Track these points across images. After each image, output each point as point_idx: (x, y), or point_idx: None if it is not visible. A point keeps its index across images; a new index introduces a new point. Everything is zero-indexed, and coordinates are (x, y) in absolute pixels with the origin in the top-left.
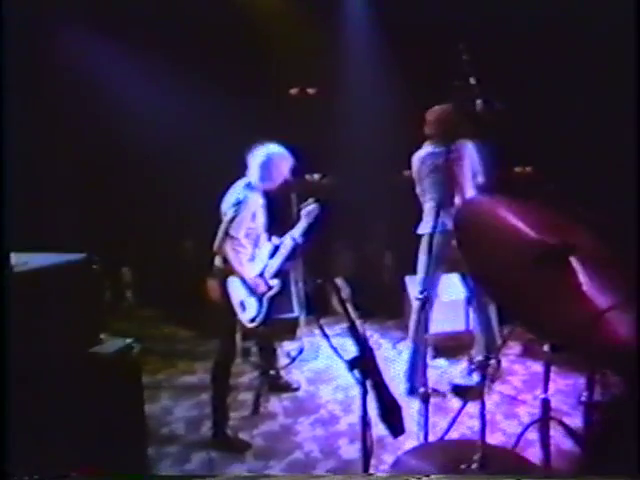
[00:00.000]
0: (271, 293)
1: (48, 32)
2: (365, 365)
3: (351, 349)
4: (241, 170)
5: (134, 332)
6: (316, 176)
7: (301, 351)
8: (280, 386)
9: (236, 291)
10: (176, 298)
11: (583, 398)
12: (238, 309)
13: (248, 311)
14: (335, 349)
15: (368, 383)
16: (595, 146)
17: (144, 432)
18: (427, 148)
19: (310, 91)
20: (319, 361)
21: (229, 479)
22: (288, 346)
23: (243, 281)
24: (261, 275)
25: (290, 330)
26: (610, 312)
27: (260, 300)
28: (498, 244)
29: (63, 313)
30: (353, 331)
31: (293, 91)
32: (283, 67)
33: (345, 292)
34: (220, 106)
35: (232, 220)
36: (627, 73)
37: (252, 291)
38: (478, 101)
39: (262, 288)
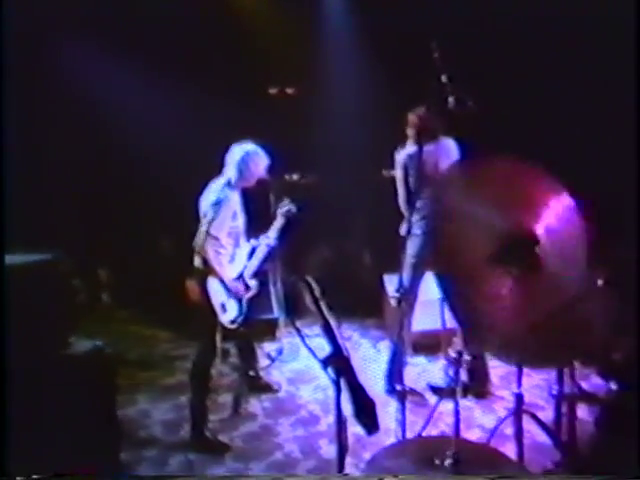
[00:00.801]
0: (250, 294)
1: (47, 34)
2: (339, 363)
3: (327, 348)
4: (219, 168)
5: (110, 334)
6: (295, 176)
7: (280, 352)
8: (260, 387)
9: (216, 292)
10: (154, 299)
11: (553, 391)
12: (219, 310)
13: (229, 312)
14: (310, 348)
15: (342, 381)
16: (573, 141)
17: (116, 434)
18: (409, 148)
19: (289, 91)
20: (299, 362)
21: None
22: (268, 347)
23: (222, 282)
24: (240, 276)
25: (269, 331)
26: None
27: (240, 301)
28: (466, 240)
29: (30, 314)
30: (327, 330)
31: (272, 91)
32: (262, 66)
33: (318, 291)
34: (198, 105)
35: (213, 220)
36: (608, 65)
37: (232, 293)
38: (450, 99)
39: (241, 290)
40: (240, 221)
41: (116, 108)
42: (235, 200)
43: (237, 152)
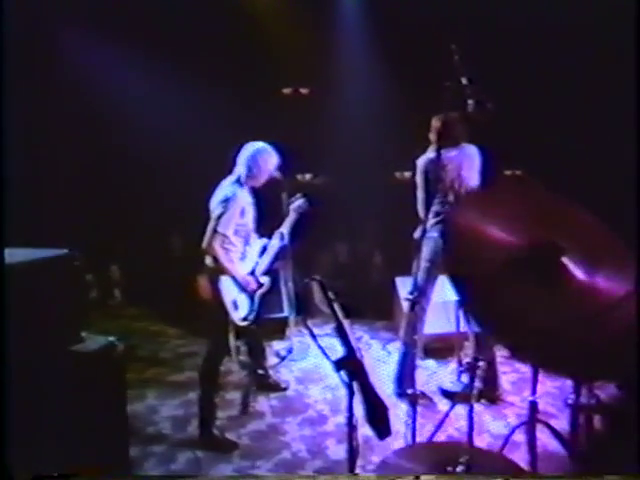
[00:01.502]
0: (262, 291)
1: (47, 31)
2: (352, 366)
3: (339, 349)
4: (231, 167)
5: (122, 330)
6: (307, 176)
7: (290, 351)
8: (269, 385)
9: (228, 289)
10: (165, 296)
11: (570, 401)
12: (230, 308)
13: (241, 309)
14: (322, 349)
15: (355, 384)
16: (589, 147)
17: (126, 431)
18: (431, 153)
19: (303, 91)
20: (308, 361)
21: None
22: (277, 345)
23: (234, 279)
24: (252, 273)
25: (280, 330)
26: (610, 311)
27: (252, 298)
28: (487, 251)
29: (43, 310)
30: (340, 331)
31: (286, 91)
32: (277, 66)
33: (331, 291)
34: (212, 104)
35: (220, 217)
36: (624, 74)
37: (243, 289)
38: (470, 101)
39: (253, 286)
40: (249, 218)
41: (132, 107)
42: (244, 197)
43: (247, 150)
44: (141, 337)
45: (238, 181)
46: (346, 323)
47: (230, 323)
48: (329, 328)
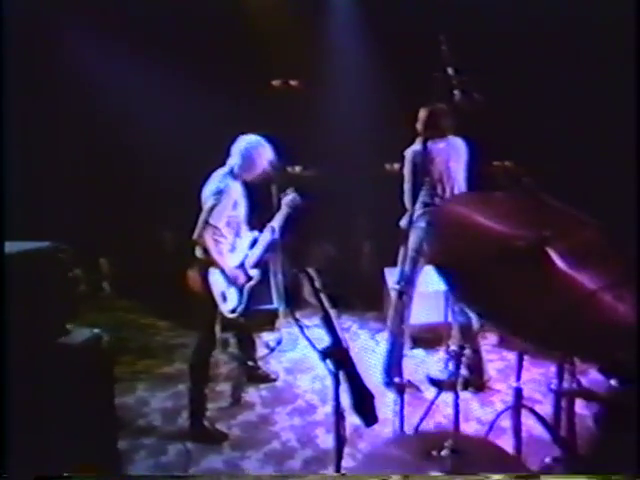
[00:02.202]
0: (251, 284)
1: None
2: (338, 355)
3: (326, 339)
4: (221, 160)
5: (111, 323)
6: (298, 168)
7: (279, 342)
8: (258, 376)
9: (217, 282)
10: (155, 289)
11: (553, 386)
12: (219, 300)
13: (229, 302)
14: (308, 339)
15: (341, 373)
16: (578, 138)
17: (114, 424)
18: (418, 144)
19: (293, 83)
20: (297, 352)
21: (209, 477)
22: (267, 337)
23: (223, 272)
24: (241, 265)
25: (269, 321)
26: (594, 296)
27: (240, 291)
28: (473, 241)
29: (28, 302)
30: (327, 321)
31: (276, 83)
32: (267, 58)
33: (319, 282)
34: (201, 96)
35: (212, 208)
36: (609, 65)
37: (232, 282)
38: (456, 92)
39: (242, 279)
40: (241, 211)
41: (119, 99)
42: (236, 189)
43: (241, 142)
44: (131, 330)
45: (231, 173)
46: (333, 313)
47: (219, 315)
48: (317, 319)
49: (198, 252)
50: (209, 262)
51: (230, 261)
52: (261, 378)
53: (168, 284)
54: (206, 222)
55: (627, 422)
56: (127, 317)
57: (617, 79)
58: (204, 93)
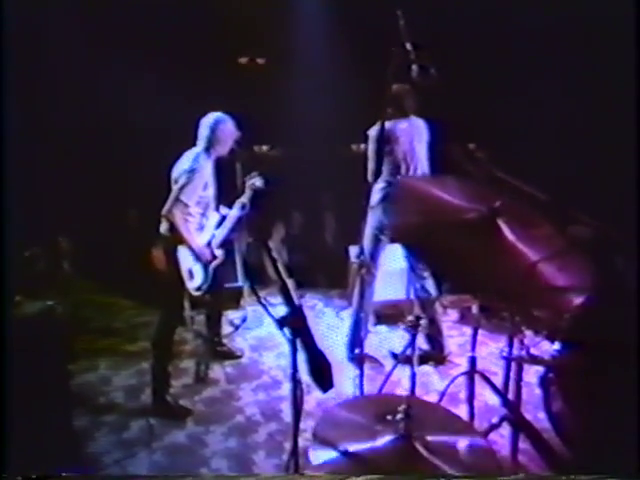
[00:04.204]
0: (216, 262)
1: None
2: (295, 323)
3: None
4: (186, 137)
5: (72, 301)
6: (264, 147)
7: (244, 319)
8: (223, 353)
9: (185, 259)
10: (118, 268)
11: (504, 353)
12: (186, 276)
13: (195, 279)
14: (266, 307)
15: (298, 341)
16: (540, 119)
17: (70, 399)
18: (382, 124)
19: (260, 61)
20: (262, 329)
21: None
22: (232, 315)
23: (190, 249)
24: (208, 244)
25: (234, 299)
26: (539, 264)
27: (206, 269)
28: (433, 215)
29: None
30: (283, 291)
31: (242, 60)
32: (233, 35)
33: (275, 252)
34: (168, 74)
35: (185, 186)
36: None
37: (199, 259)
38: (414, 67)
39: (208, 257)
40: (210, 191)
41: (85, 78)
42: (208, 170)
43: (208, 120)
44: (94, 308)
45: (206, 151)
46: (289, 282)
47: (186, 293)
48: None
49: (163, 229)
50: (176, 239)
51: (198, 239)
52: (226, 355)
53: (131, 262)
54: (177, 199)
55: (568, 384)
56: (90, 296)
57: (585, 53)
58: (171, 71)
